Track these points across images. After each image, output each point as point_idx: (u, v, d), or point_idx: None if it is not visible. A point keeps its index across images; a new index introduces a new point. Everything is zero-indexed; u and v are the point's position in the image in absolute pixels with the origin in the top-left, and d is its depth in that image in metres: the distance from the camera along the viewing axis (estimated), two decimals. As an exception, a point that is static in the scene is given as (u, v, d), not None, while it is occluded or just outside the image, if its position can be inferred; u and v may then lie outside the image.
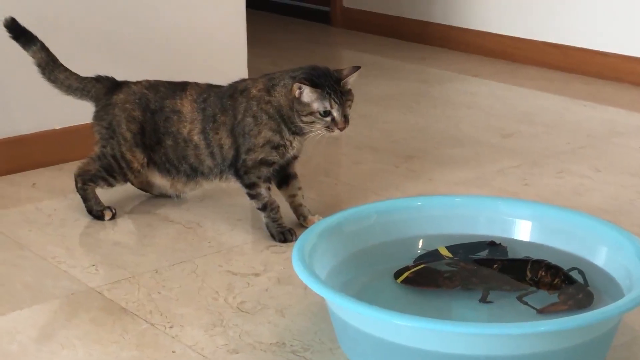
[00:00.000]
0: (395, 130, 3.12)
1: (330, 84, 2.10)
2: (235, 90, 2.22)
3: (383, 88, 3.64)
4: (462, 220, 1.98)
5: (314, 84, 2.09)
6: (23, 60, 2.36)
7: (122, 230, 2.30)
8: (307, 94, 2.10)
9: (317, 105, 2.10)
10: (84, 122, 2.56)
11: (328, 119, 2.10)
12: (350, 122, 2.13)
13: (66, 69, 2.32)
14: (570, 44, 3.83)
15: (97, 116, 2.32)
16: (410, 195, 2.46)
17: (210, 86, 2.28)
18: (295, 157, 2.24)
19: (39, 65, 2.31)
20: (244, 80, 2.28)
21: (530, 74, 3.86)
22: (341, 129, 2.11)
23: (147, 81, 2.32)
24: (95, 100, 2.32)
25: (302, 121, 2.12)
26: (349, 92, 2.13)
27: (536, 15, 3.96)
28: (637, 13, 3.63)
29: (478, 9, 4.19)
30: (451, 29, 4.30)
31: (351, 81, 2.14)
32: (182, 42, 2.91)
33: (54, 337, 1.79)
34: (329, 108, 2.09)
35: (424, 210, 2.00)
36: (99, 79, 2.33)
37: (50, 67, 2.31)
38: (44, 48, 2.30)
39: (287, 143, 2.18)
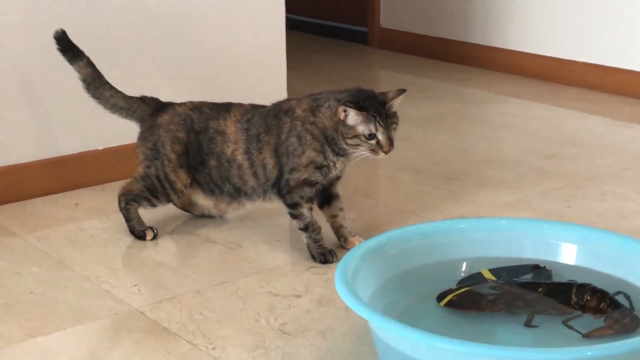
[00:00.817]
0: (435, 151, 3.11)
1: (376, 107, 2.09)
2: (280, 110, 2.22)
3: (422, 109, 3.63)
4: (506, 243, 1.96)
5: (359, 107, 2.09)
6: (66, 82, 2.38)
7: (164, 250, 2.31)
8: (353, 117, 2.10)
9: (362, 128, 2.10)
10: (126, 143, 2.59)
11: (373, 142, 2.10)
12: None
13: (112, 87, 2.33)
14: (611, 65, 3.80)
15: (142, 137, 2.32)
16: (451, 217, 2.45)
17: (254, 106, 2.29)
18: (338, 178, 2.24)
19: (84, 80, 2.32)
20: (288, 100, 2.28)
21: (571, 95, 3.83)
22: (386, 152, 2.10)
23: (192, 102, 2.34)
24: (140, 121, 2.33)
25: (346, 143, 2.12)
26: (394, 115, 2.13)
27: (577, 36, 3.93)
28: (679, 34, 3.61)
29: (517, 30, 4.17)
30: (490, 49, 4.29)
31: (396, 104, 2.14)
32: (224, 63, 2.93)
33: (97, 357, 1.80)
34: (374, 131, 2.09)
35: (467, 233, 1.98)
36: (144, 100, 2.34)
37: (96, 83, 2.32)
38: (90, 64, 2.31)
39: (331, 164, 2.17)
